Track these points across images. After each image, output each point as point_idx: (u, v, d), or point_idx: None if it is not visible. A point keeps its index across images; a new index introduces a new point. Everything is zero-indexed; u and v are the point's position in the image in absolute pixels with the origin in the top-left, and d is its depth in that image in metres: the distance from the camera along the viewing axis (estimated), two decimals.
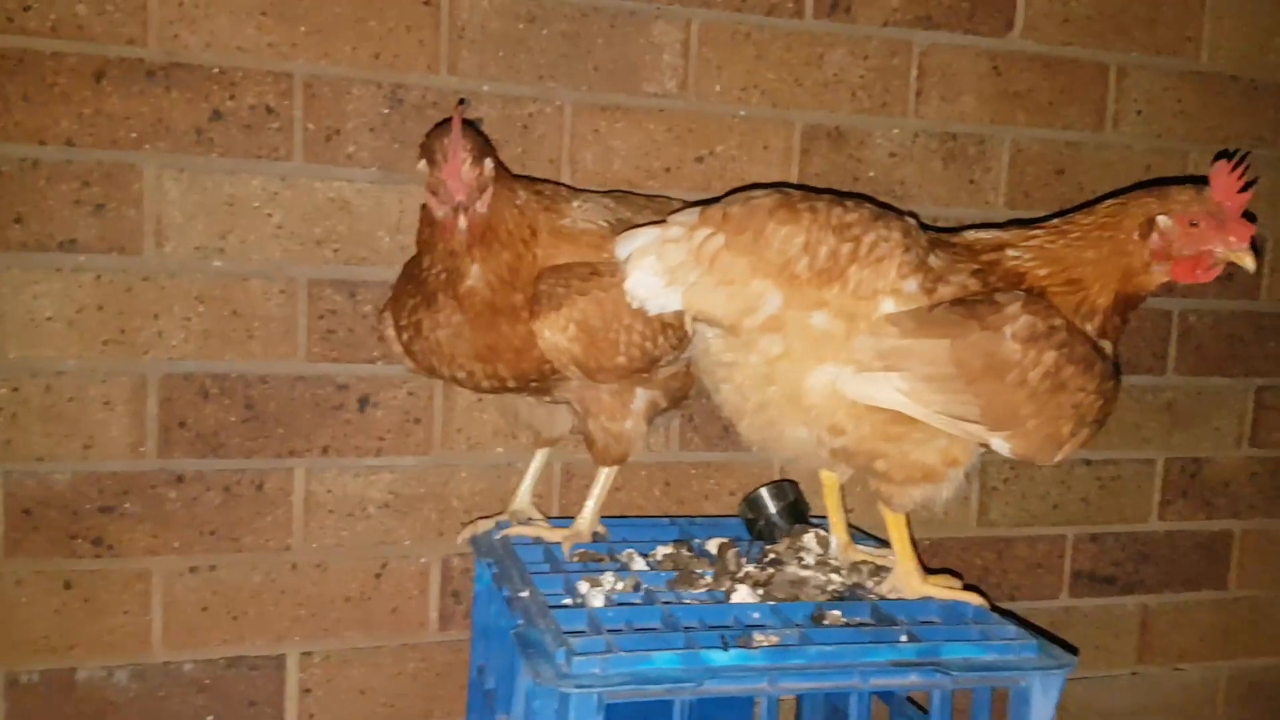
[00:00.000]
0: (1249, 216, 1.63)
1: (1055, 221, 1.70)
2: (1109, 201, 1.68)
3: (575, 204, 1.77)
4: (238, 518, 1.95)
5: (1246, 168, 1.60)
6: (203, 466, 1.93)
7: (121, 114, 1.83)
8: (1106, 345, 1.64)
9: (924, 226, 1.66)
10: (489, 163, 1.63)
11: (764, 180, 2.15)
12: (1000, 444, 1.59)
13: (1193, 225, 1.61)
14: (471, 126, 1.66)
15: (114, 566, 1.90)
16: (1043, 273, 1.62)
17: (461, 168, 1.59)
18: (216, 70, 1.86)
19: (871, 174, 2.22)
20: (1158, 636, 2.56)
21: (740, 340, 1.57)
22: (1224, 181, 1.60)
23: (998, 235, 1.70)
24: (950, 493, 1.65)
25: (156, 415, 1.90)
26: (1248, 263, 1.63)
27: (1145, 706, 2.57)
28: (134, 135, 1.84)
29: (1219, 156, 1.70)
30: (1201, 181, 1.63)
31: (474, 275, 1.65)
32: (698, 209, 1.56)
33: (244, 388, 1.93)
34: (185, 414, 1.91)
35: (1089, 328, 1.62)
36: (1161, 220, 1.61)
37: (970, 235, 1.71)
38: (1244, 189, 1.60)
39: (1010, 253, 1.65)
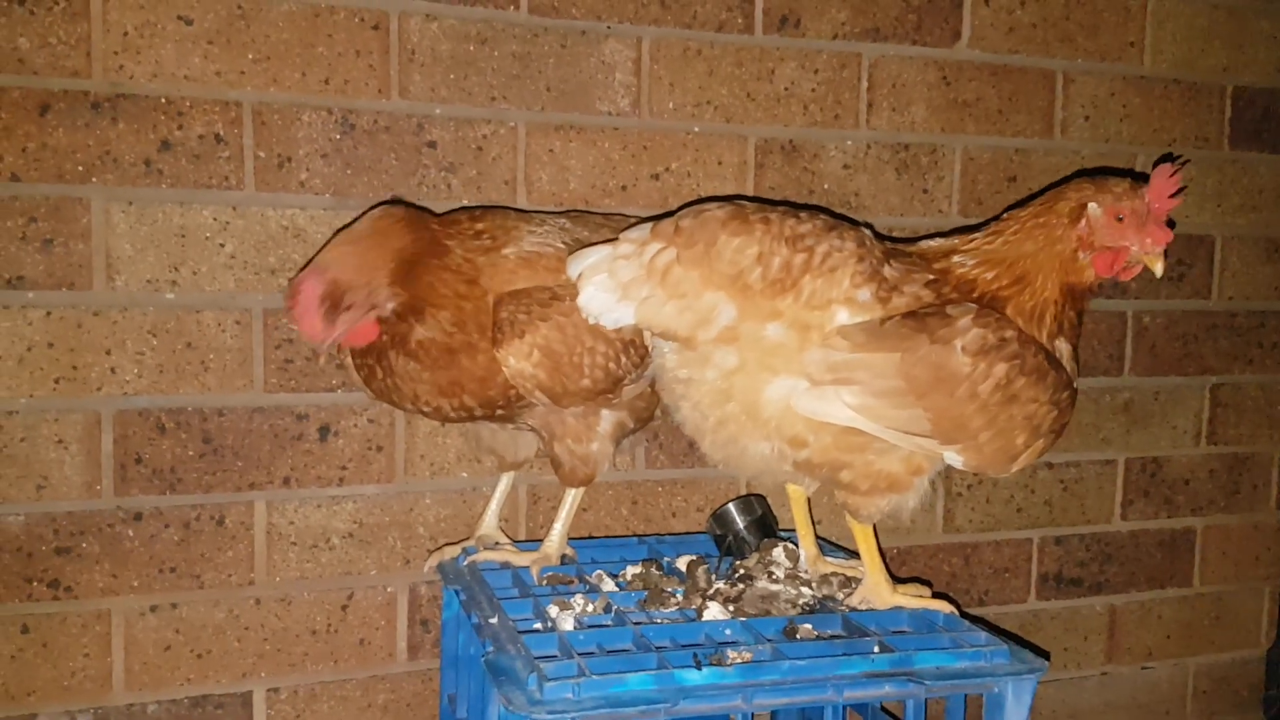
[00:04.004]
0: (1171, 224, 1.65)
1: (994, 223, 1.71)
2: (1050, 192, 1.69)
3: (526, 229, 1.75)
4: (198, 554, 1.92)
5: (1183, 176, 1.62)
6: (161, 503, 1.89)
7: (68, 147, 1.80)
8: (1064, 347, 1.65)
9: (880, 237, 1.67)
10: (345, 317, 1.61)
11: (719, 195, 2.15)
12: (953, 457, 1.59)
13: (1118, 219, 1.61)
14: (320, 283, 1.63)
15: (72, 609, 1.86)
16: (989, 276, 1.63)
17: (309, 330, 1.61)
18: (164, 100, 1.84)
19: (826, 186, 2.23)
20: (1125, 636, 2.58)
21: (696, 355, 1.57)
22: (1161, 184, 1.61)
23: (945, 242, 1.70)
24: (916, 501, 1.66)
25: (111, 452, 1.86)
26: (1156, 267, 1.64)
27: (1115, 705, 2.59)
28: (81, 168, 1.81)
29: (1162, 160, 1.72)
30: (1143, 178, 1.64)
31: (418, 334, 1.66)
32: (650, 224, 1.56)
33: (201, 421, 1.90)
34: (141, 450, 1.88)
35: (1045, 327, 1.62)
36: (1091, 207, 1.62)
37: (924, 244, 1.72)
38: (1175, 194, 1.61)
39: (956, 259, 1.66)
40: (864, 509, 1.65)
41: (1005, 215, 1.70)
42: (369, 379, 1.74)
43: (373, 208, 1.73)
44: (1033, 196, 1.74)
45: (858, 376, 1.52)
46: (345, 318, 1.62)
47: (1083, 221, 1.62)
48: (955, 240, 1.69)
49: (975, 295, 1.61)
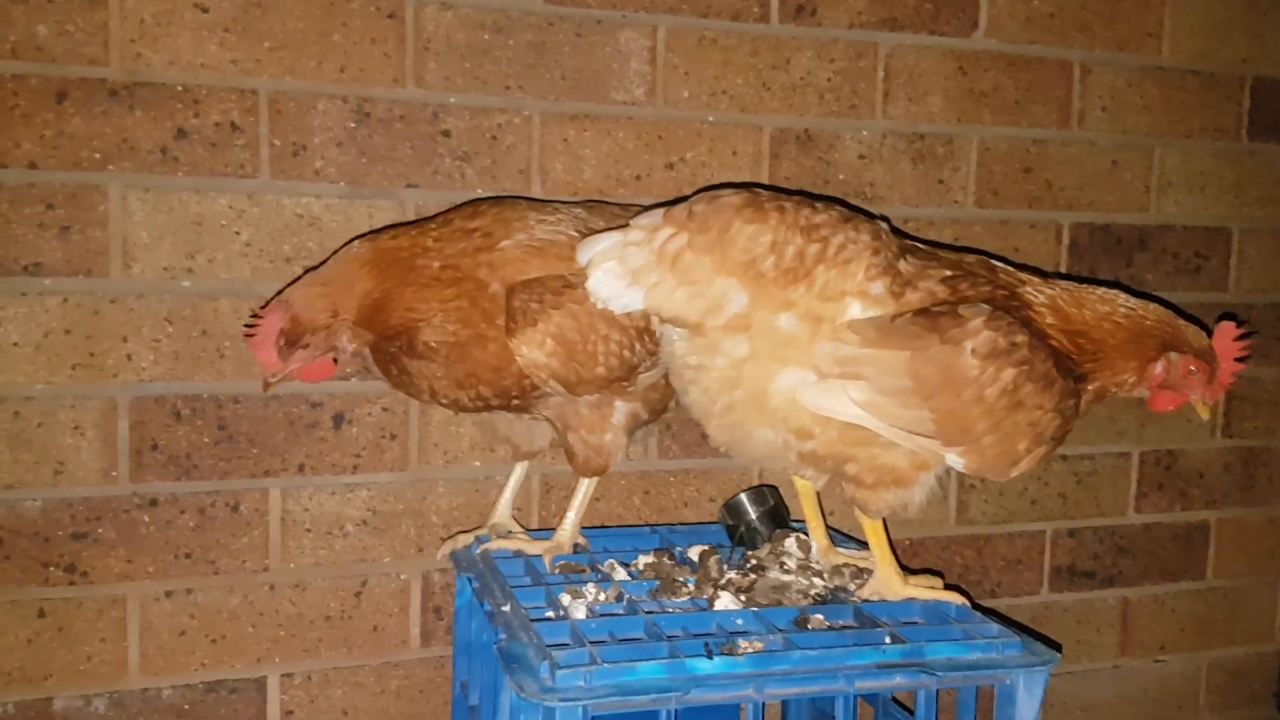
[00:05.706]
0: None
1: (1070, 285, 1.71)
2: (1129, 302, 1.69)
3: (536, 218, 1.74)
4: (213, 540, 1.93)
5: (1249, 337, 1.73)
6: (176, 489, 1.90)
7: (85, 135, 1.81)
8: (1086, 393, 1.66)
9: (897, 231, 1.67)
10: (299, 355, 1.66)
11: (734, 184, 2.15)
12: (954, 459, 1.58)
13: (1192, 370, 1.68)
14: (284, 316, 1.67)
15: (88, 594, 1.88)
16: (1050, 321, 1.63)
17: (263, 361, 1.67)
18: (180, 88, 1.85)
19: (841, 176, 2.23)
20: (1138, 629, 2.58)
21: (705, 342, 1.57)
22: (1226, 345, 1.70)
23: (1017, 271, 1.71)
24: (922, 497, 1.65)
25: (128, 438, 1.87)
26: (1205, 414, 1.76)
27: (1128, 699, 2.59)
28: (98, 156, 1.82)
29: (1222, 318, 1.82)
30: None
31: (422, 340, 1.68)
32: (663, 209, 1.55)
33: (216, 408, 1.91)
34: (157, 436, 1.89)
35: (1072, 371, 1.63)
36: (1173, 355, 1.67)
37: (994, 263, 1.70)
38: (1240, 358, 1.70)
39: (1028, 290, 1.66)
40: (871, 503, 1.64)
41: (1079, 293, 1.69)
42: (385, 373, 1.75)
43: (347, 244, 1.75)
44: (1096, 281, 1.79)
45: (866, 372, 1.51)
46: (299, 355, 1.67)
47: (1161, 363, 1.68)
48: (1035, 276, 1.70)
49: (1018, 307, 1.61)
